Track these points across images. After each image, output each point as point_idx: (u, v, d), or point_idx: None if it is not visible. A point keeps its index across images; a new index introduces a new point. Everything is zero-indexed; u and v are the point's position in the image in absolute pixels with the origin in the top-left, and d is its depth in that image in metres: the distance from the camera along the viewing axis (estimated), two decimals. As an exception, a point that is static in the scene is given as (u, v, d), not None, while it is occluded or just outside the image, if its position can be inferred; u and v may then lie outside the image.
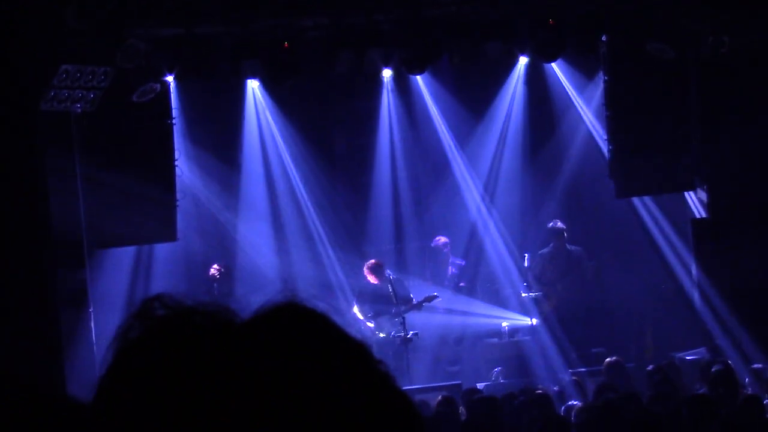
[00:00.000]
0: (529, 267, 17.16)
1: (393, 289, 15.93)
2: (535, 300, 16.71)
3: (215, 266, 16.46)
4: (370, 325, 16.05)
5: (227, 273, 16.55)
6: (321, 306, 1.54)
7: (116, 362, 1.48)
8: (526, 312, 16.59)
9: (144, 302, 1.50)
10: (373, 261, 16.45)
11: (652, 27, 14.85)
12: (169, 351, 1.44)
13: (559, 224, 17.17)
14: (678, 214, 16.40)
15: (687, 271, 16.20)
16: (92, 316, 13.83)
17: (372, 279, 16.20)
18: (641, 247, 17.01)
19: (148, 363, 1.44)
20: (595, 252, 17.54)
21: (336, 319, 1.54)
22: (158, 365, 1.43)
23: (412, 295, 16.32)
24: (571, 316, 16.68)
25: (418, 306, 16.11)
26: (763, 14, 14.37)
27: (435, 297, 16.24)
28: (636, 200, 16.78)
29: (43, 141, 13.02)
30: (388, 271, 16.33)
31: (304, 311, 1.52)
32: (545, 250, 17.13)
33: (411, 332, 15.72)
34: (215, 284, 16.24)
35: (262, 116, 17.51)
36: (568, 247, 17.17)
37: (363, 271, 16.39)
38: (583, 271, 17.12)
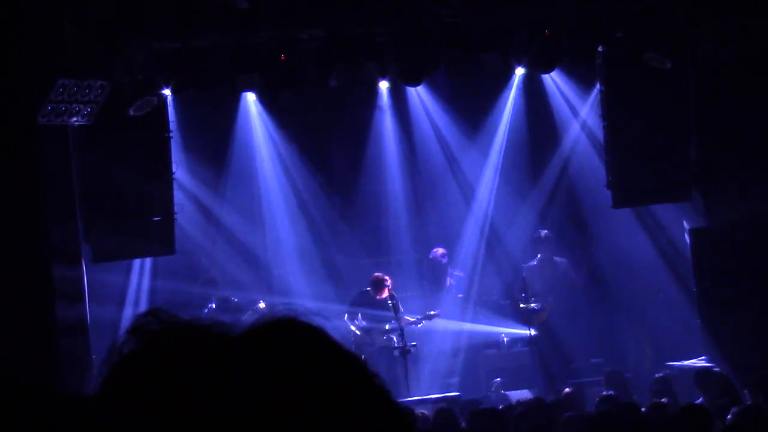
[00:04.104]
0: (518, 280, 17.20)
1: (394, 303, 15.90)
2: (532, 311, 16.70)
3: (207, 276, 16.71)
4: (359, 333, 16.03)
5: (219, 281, 16.70)
6: (316, 320, 1.54)
7: (110, 378, 1.48)
8: (524, 323, 16.57)
9: (138, 317, 1.50)
10: (379, 275, 16.35)
11: (648, 37, 14.88)
12: (163, 366, 1.44)
13: (546, 234, 17.19)
14: (676, 222, 16.41)
15: (686, 279, 16.20)
16: (90, 341, 13.83)
17: (373, 292, 16.16)
18: (640, 256, 17.01)
19: (142, 379, 1.44)
20: (593, 262, 17.54)
21: (332, 333, 1.54)
22: (152, 381, 1.43)
23: (403, 310, 16.27)
24: (567, 327, 16.69)
25: (416, 323, 16.08)
26: (760, 23, 14.39)
27: (434, 316, 16.20)
28: (635, 209, 16.78)
29: (40, 154, 13.03)
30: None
31: (299, 326, 1.52)
32: (533, 263, 17.15)
33: (410, 344, 15.70)
34: (213, 290, 16.39)
35: (259, 128, 17.52)
36: (555, 258, 17.19)
37: (368, 283, 16.32)
38: (571, 283, 17.14)
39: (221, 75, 14.73)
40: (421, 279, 17.81)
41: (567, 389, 14.08)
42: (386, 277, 16.26)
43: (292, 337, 1.49)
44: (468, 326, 16.92)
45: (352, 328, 16.10)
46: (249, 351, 1.47)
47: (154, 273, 16.42)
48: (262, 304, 16.01)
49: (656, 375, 13.56)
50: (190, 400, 1.41)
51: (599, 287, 17.38)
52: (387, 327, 15.95)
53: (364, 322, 16.13)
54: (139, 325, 1.49)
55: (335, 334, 1.54)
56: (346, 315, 16.14)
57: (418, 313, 16.31)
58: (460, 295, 17.42)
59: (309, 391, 1.43)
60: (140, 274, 16.31)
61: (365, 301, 16.24)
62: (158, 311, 1.51)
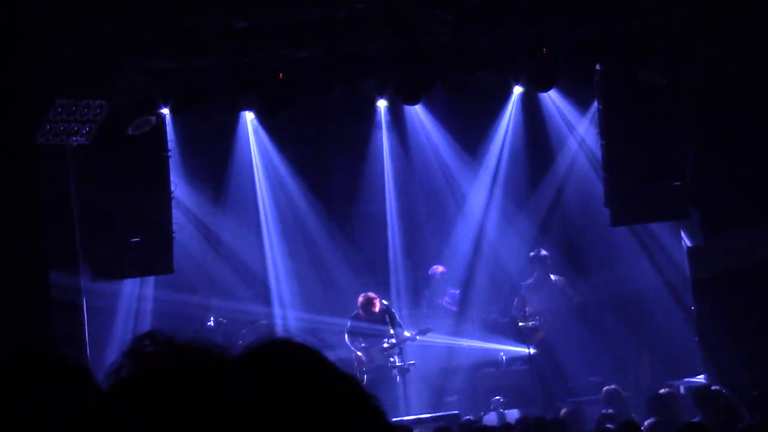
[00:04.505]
0: (517, 298, 17.19)
1: (390, 320, 15.89)
2: (531, 329, 16.68)
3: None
4: (360, 354, 15.99)
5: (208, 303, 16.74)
6: (312, 341, 1.55)
7: (109, 399, 1.48)
8: (523, 341, 16.56)
9: (135, 340, 1.50)
10: (364, 295, 16.34)
11: (645, 55, 14.90)
12: (159, 389, 1.44)
13: (543, 252, 17.19)
14: (675, 240, 16.40)
15: (684, 297, 16.19)
16: (87, 353, 13.82)
17: (363, 313, 16.14)
18: (639, 274, 17.00)
19: (138, 402, 1.44)
20: (592, 279, 17.53)
21: (327, 354, 1.54)
22: (148, 404, 1.43)
23: (402, 325, 16.29)
24: (565, 345, 16.67)
25: (412, 339, 16.07)
26: (755, 41, 14.41)
27: (428, 330, 16.20)
28: (633, 227, 16.78)
29: (39, 175, 13.01)
30: (384, 302, 16.31)
31: (295, 347, 1.52)
32: (529, 281, 17.11)
33: (408, 362, 15.69)
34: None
35: (257, 148, 17.55)
36: (552, 276, 17.17)
37: (357, 303, 16.30)
38: (567, 301, 17.12)
39: (220, 94, 14.75)
40: (418, 296, 17.81)
41: (566, 408, 14.06)
42: (370, 294, 16.25)
43: (288, 359, 1.50)
44: (466, 344, 16.90)
45: (352, 348, 16.06)
46: (245, 373, 1.47)
47: (154, 286, 16.48)
48: (263, 322, 16.06)
49: (652, 393, 13.52)
50: (186, 422, 1.42)
51: (597, 305, 17.36)
52: (385, 344, 15.92)
53: (363, 344, 16.09)
54: (136, 347, 1.50)
55: (332, 356, 1.55)
56: (346, 336, 16.09)
57: (414, 330, 16.31)
58: (454, 309, 17.42)
59: (305, 414, 1.44)
60: (137, 284, 16.32)
61: (360, 322, 16.20)
62: (155, 333, 1.51)
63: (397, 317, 16.32)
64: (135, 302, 16.27)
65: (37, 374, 1.52)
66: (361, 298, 16.23)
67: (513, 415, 15.25)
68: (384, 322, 15.91)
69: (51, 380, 1.51)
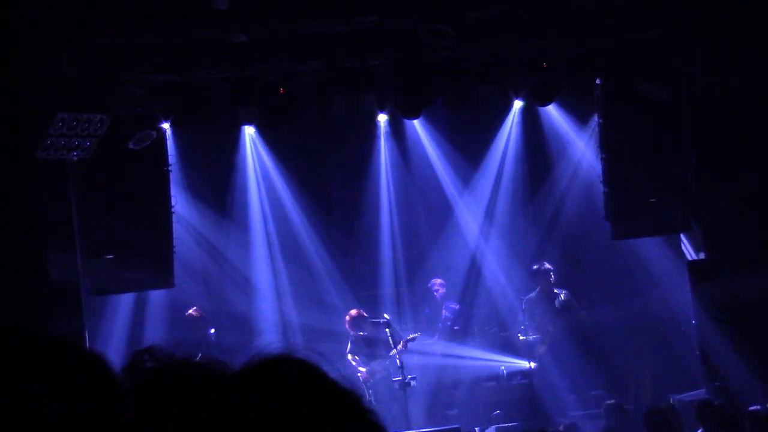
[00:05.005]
0: (520, 312, 17.16)
1: (390, 333, 15.84)
2: (532, 343, 16.66)
3: (194, 309, 16.62)
4: (363, 369, 15.95)
5: (205, 316, 16.68)
6: (312, 356, 1.54)
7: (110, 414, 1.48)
8: (524, 355, 16.53)
9: (134, 354, 1.50)
10: (350, 315, 16.28)
11: (645, 69, 14.91)
12: (158, 404, 1.44)
13: (546, 266, 17.14)
14: (676, 254, 16.39)
15: (686, 311, 16.17)
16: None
17: (353, 331, 16.08)
18: (640, 288, 16.99)
19: (136, 417, 1.44)
20: (593, 293, 17.52)
21: (327, 368, 1.54)
22: (147, 419, 1.43)
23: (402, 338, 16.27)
24: (567, 359, 16.64)
25: (404, 346, 16.01)
26: (756, 53, 14.43)
27: (414, 337, 16.14)
28: (634, 241, 16.76)
29: (40, 189, 13.01)
30: (386, 315, 16.27)
31: (294, 362, 1.52)
32: (532, 295, 17.04)
33: (409, 376, 15.65)
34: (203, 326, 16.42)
35: (258, 161, 17.55)
36: (555, 290, 17.12)
37: (348, 326, 16.22)
38: (572, 314, 17.07)
39: (220, 108, 14.75)
40: (417, 309, 17.79)
41: (567, 422, 14.04)
42: (353, 312, 16.21)
43: (288, 374, 1.50)
44: (467, 358, 16.86)
45: (352, 361, 16.03)
46: (244, 389, 1.47)
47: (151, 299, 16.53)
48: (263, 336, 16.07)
49: (651, 407, 13.51)
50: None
51: (599, 319, 17.33)
52: (387, 356, 15.89)
53: (366, 359, 16.04)
54: (136, 362, 1.49)
55: (332, 370, 1.54)
56: (349, 355, 16.02)
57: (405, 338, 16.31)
58: (456, 328, 17.39)
59: (304, 430, 1.44)
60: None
61: (359, 341, 16.15)
62: (155, 348, 1.51)
63: (398, 330, 16.27)
64: (136, 306, 16.35)
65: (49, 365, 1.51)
66: (348, 318, 16.19)
67: None
68: (384, 336, 15.86)
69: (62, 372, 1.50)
